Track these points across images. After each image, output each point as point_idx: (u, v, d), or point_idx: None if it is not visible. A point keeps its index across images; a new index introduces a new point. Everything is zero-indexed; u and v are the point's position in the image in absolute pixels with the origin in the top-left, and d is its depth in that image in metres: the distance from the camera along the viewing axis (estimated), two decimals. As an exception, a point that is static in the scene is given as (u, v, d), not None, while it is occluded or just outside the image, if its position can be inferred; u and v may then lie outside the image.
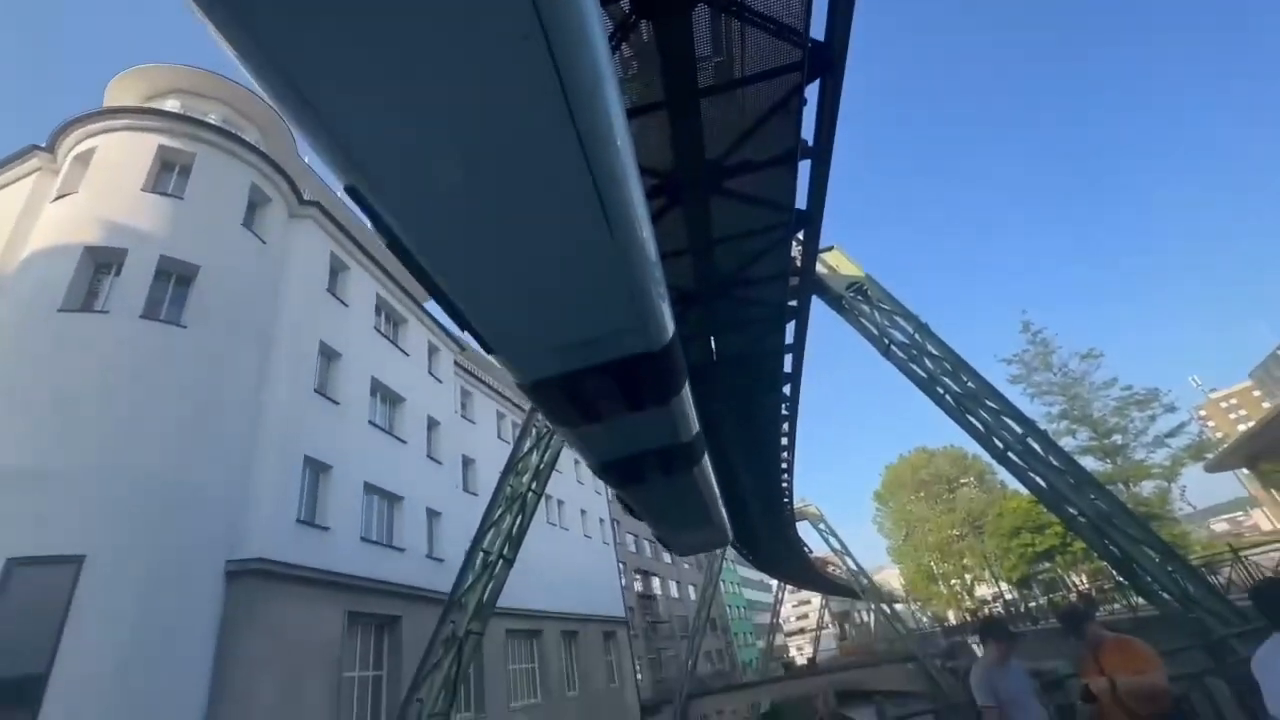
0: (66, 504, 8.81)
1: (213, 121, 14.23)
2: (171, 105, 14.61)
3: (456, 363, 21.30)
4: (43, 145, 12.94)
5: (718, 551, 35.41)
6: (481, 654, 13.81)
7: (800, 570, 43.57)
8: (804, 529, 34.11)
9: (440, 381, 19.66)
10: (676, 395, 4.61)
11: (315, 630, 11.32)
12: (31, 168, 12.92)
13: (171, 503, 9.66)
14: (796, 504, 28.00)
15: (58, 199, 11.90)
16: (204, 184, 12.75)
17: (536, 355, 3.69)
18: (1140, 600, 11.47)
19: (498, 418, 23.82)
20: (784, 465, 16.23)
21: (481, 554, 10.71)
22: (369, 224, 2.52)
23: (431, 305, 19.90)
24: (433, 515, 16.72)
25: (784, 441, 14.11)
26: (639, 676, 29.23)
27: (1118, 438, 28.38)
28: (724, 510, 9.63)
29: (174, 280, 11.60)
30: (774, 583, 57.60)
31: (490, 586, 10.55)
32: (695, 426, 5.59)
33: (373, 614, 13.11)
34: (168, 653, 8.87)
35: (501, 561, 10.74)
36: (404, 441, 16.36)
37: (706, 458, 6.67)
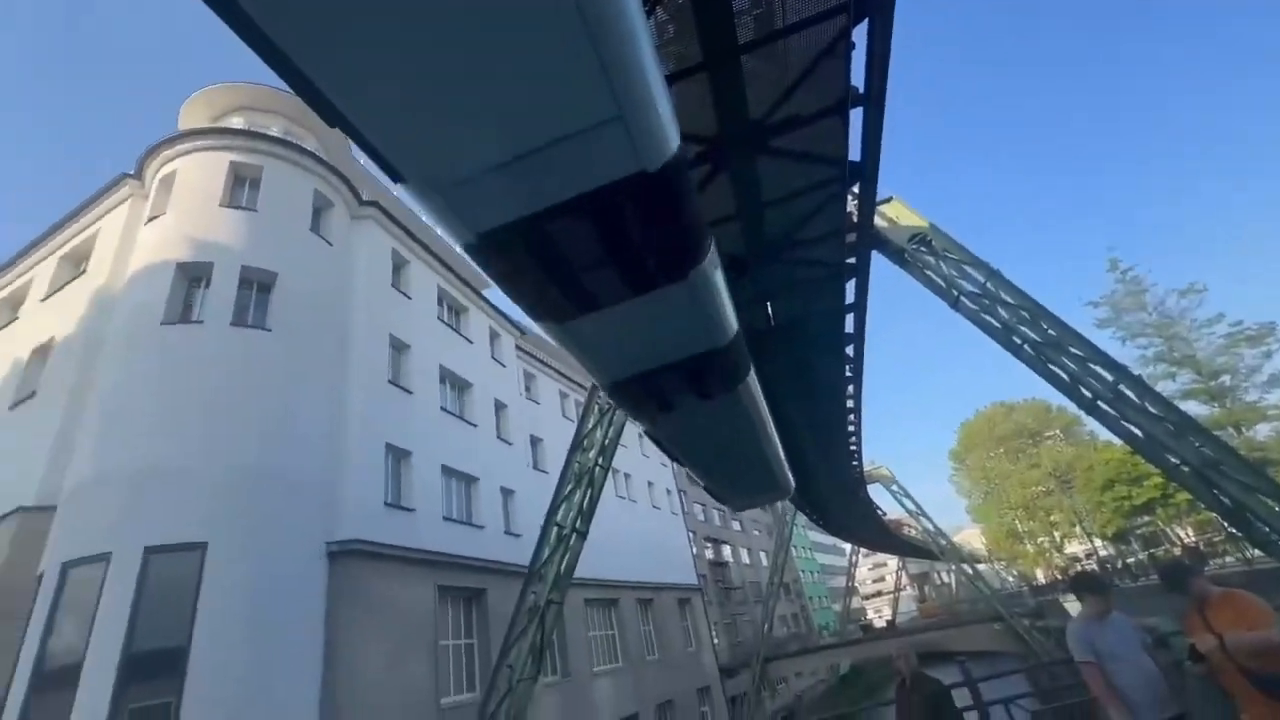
0: (184, 498, 9.77)
1: (275, 134, 14.98)
2: (237, 122, 15.49)
3: (518, 346, 21.90)
4: (131, 173, 14.06)
5: (787, 517, 35.24)
6: (563, 622, 14.46)
7: (873, 533, 42.76)
8: (876, 492, 33.35)
9: (504, 366, 20.31)
10: (697, 266, 3.29)
11: (411, 603, 12.19)
12: (124, 195, 14.08)
13: (273, 492, 10.55)
14: (866, 467, 27.36)
15: (149, 221, 12.94)
16: (273, 195, 13.53)
17: (474, 186, 2.52)
18: (1256, 552, 10.59)
19: (560, 397, 24.42)
20: (850, 428, 15.86)
21: (556, 528, 11.14)
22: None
23: (490, 292, 20.47)
24: (507, 493, 17.47)
25: (849, 404, 13.76)
26: (715, 641, 29.80)
27: (1226, 379, 25.96)
28: (783, 455, 8.03)
29: (256, 287, 12.44)
30: (847, 546, 56.90)
31: (566, 558, 10.98)
32: (733, 324, 4.22)
33: (460, 587, 13.96)
34: (285, 625, 9.81)
35: (575, 534, 11.13)
36: (475, 425, 17.09)
37: (754, 376, 5.28)
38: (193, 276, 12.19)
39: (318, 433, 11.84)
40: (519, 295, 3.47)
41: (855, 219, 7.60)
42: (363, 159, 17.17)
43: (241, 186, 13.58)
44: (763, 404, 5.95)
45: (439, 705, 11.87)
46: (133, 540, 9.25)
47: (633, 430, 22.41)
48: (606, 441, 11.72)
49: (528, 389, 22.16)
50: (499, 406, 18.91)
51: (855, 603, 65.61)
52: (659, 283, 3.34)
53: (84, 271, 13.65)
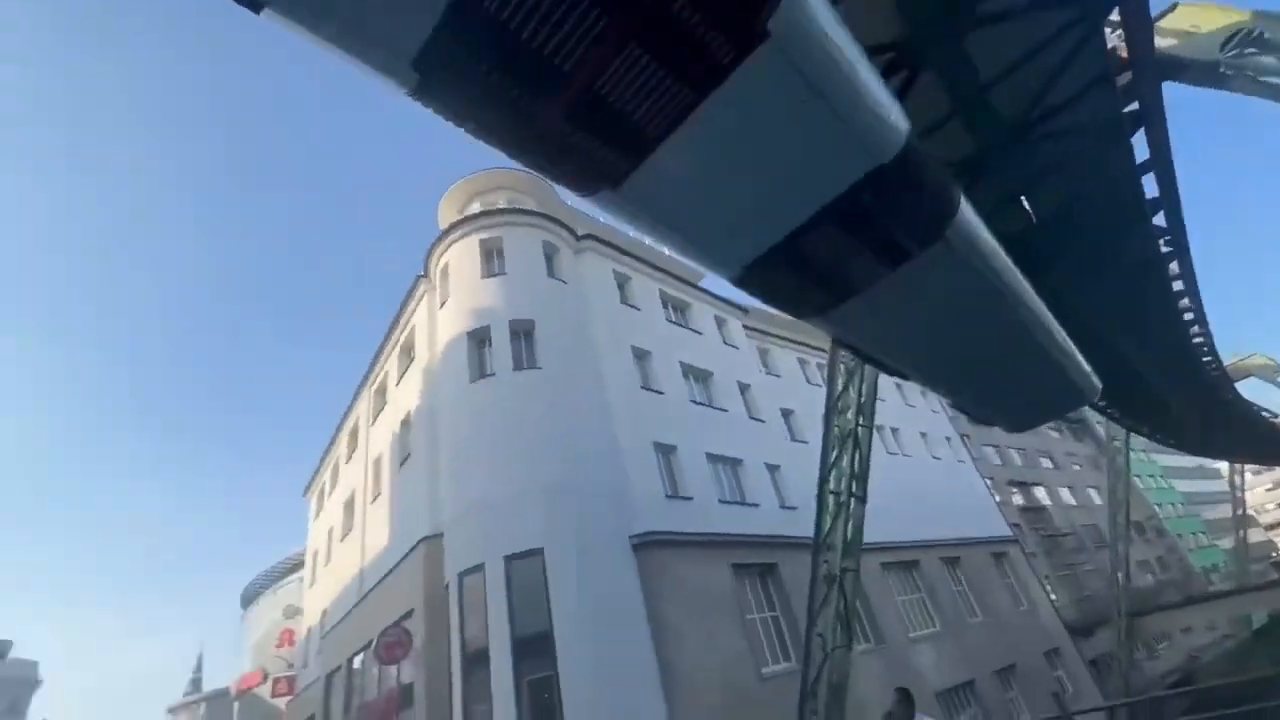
0: (520, 516, 12.10)
1: (504, 206, 17.76)
2: (476, 207, 18.74)
3: (745, 326, 22.05)
4: (421, 273, 18.04)
5: (1116, 442, 28.57)
6: (863, 588, 14.04)
7: (1259, 444, 32.05)
8: (1252, 389, 25.02)
9: (736, 348, 20.64)
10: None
11: (711, 582, 13.17)
12: (422, 291, 18.11)
13: (578, 500, 12.41)
14: (1229, 359, 20.76)
15: (442, 307, 16.43)
16: (514, 256, 16.04)
17: None
18: None
19: (800, 365, 23.83)
20: (1188, 315, 12.22)
21: (831, 495, 10.89)
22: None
23: (707, 280, 21.05)
24: (772, 469, 17.66)
25: (1178, 286, 10.63)
26: (1053, 597, 25.68)
27: None
28: (1067, 342, 4.56)
29: (522, 336, 14.87)
30: (1222, 466, 43.82)
31: (850, 524, 10.64)
32: (898, 119, 2.41)
33: (752, 563, 14.58)
34: (618, 609, 11.46)
35: (853, 499, 10.72)
36: (725, 410, 17.71)
37: (970, 209, 3.15)
38: (479, 340, 15.07)
39: (598, 444, 13.58)
40: (535, 153, 2.11)
41: (1123, 55, 5.89)
42: (571, 199, 19.21)
43: (491, 258, 16.35)
44: (1000, 255, 3.49)
45: (760, 674, 12.55)
46: (495, 552, 11.80)
47: (888, 383, 20.76)
48: (863, 399, 11.06)
49: (765, 365, 22.11)
50: (742, 388, 19.26)
51: (1254, 536, 50.09)
52: (733, 58, 1.85)
53: (413, 358, 17.94)
